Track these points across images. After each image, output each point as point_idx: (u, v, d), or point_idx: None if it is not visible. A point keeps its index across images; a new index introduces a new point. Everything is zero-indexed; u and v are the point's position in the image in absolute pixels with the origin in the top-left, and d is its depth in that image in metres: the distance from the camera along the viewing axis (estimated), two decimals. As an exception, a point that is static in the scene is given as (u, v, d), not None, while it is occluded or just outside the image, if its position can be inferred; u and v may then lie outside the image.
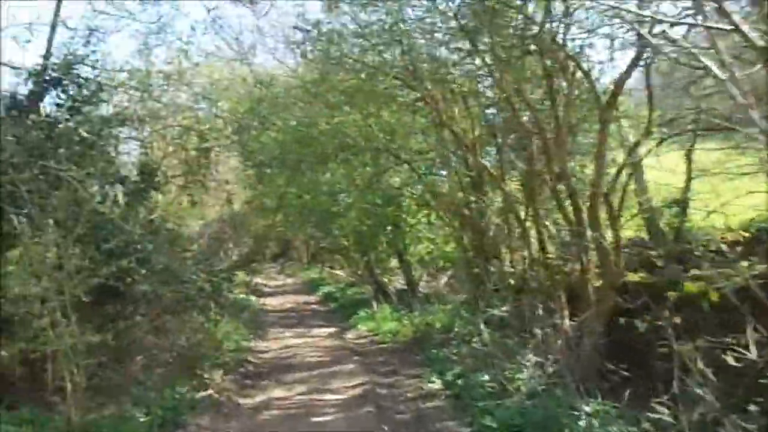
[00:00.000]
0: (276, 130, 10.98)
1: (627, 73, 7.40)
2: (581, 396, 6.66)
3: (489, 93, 10.90)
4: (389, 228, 16.18)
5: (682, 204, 8.66)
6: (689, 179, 8.24)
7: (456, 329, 11.24)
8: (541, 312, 7.98)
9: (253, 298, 19.73)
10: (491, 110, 10.74)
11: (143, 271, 7.29)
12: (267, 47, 20.35)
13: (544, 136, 7.83)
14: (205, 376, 8.28)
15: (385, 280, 17.05)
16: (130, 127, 10.60)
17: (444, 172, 11.57)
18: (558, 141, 7.69)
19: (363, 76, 10.79)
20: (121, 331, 6.76)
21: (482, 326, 8.56)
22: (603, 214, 7.67)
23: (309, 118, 11.55)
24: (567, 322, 7.64)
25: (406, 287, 16.65)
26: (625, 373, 7.18)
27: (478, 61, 9.61)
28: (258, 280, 26.39)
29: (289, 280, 27.35)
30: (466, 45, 9.60)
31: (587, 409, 6.47)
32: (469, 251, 12.16)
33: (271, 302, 19.79)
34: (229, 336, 11.71)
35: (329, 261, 24.30)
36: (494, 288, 10.84)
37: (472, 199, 11.14)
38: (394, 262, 18.17)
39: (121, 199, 10.65)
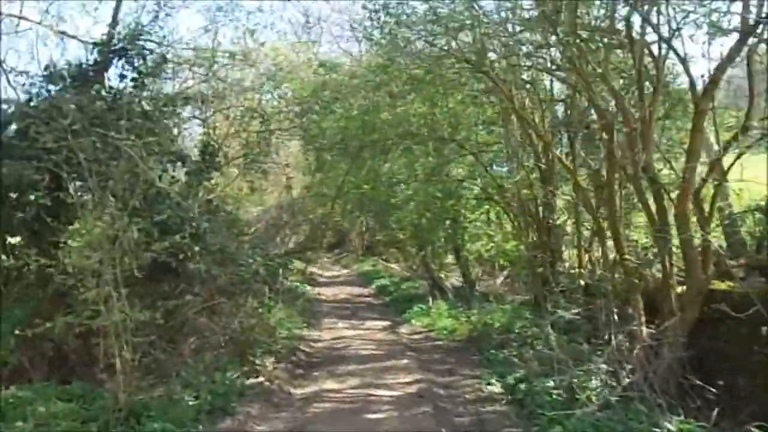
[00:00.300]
0: (339, 116, 10.60)
1: (729, 59, 6.59)
2: (662, 412, 5.98)
3: (560, 84, 10.26)
4: (448, 222, 15.63)
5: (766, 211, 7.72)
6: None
7: (516, 330, 10.63)
8: (616, 318, 7.27)
9: (307, 286, 19.55)
10: (564, 100, 10.00)
11: (197, 249, 6.98)
12: (332, 34, 20.02)
13: (630, 126, 7.10)
14: (257, 362, 7.96)
15: (442, 275, 16.46)
16: (194, 106, 10.43)
17: (511, 165, 10.89)
18: (645, 132, 6.95)
19: (430, 62, 10.29)
20: (173, 310, 6.46)
21: (549, 329, 7.93)
22: (692, 215, 6.92)
23: (372, 106, 11.14)
24: (645, 330, 6.90)
25: (462, 284, 16.07)
26: (711, 390, 6.50)
27: (554, 51, 9.04)
28: (313, 269, 26.34)
29: (344, 271, 27.11)
30: (538, 36, 9.06)
31: (670, 426, 5.79)
32: (533, 250, 11.50)
33: (326, 292, 19.53)
34: (282, 323, 11.45)
35: (384, 254, 23.90)
36: (561, 289, 10.17)
37: (540, 194, 10.48)
38: (450, 258, 17.64)
39: (181, 177, 10.59)
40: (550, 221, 10.44)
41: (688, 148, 6.80)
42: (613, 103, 8.37)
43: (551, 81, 10.55)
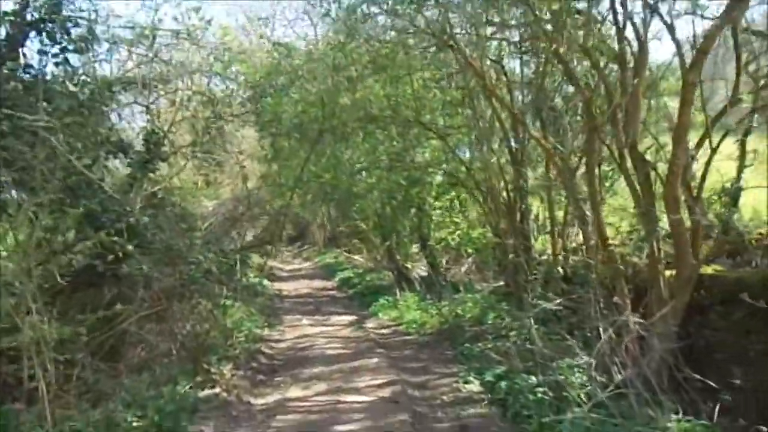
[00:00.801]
0: (295, 100, 9.73)
1: (719, 28, 6.02)
2: (660, 409, 5.41)
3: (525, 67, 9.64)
4: (413, 211, 14.94)
5: (732, 194, 7.20)
6: (742, 167, 6.69)
7: (490, 321, 10.03)
8: (601, 307, 6.68)
9: (267, 282, 18.61)
10: (533, 81, 9.37)
11: (136, 248, 6.06)
12: (286, 18, 19.00)
13: (611, 100, 6.49)
14: (212, 370, 7.11)
15: (408, 266, 15.77)
16: (135, 91, 9.37)
17: (479, 149, 10.22)
18: (630, 106, 6.35)
19: (391, 40, 9.52)
20: (112, 318, 5.54)
21: (530, 321, 7.31)
22: (681, 195, 6.37)
23: (330, 90, 10.28)
24: (632, 319, 6.31)
25: (429, 274, 15.42)
26: (707, 383, 5.98)
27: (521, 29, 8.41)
28: (274, 263, 25.34)
29: (306, 264, 26.22)
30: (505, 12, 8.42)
31: (671, 425, 5.22)
32: (504, 236, 10.90)
33: (287, 287, 18.65)
34: (241, 323, 10.59)
35: (347, 245, 23.10)
36: (534, 277, 9.60)
37: (511, 178, 9.86)
38: (415, 248, 16.99)
39: (121, 169, 9.55)
40: (523, 206, 9.83)
41: (676, 124, 6.22)
42: (590, 78, 7.82)
43: (521, 60, 9.92)
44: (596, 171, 7.46)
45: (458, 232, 14.62)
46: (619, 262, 7.01)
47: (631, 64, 6.54)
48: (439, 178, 13.24)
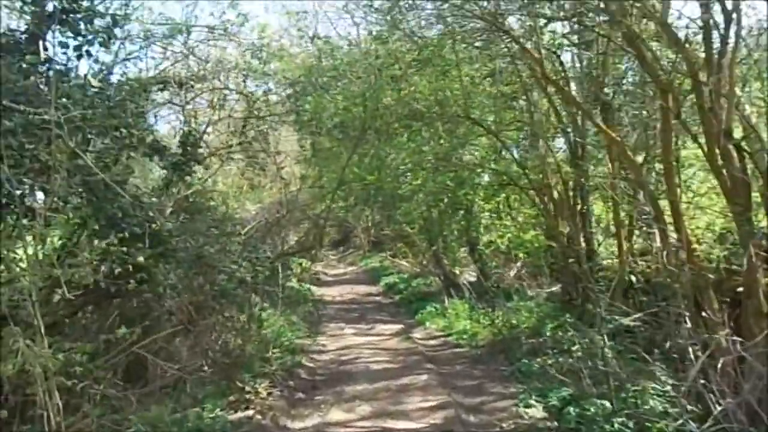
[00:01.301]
0: (336, 98, 9.05)
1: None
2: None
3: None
4: (461, 213, 14.07)
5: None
6: None
7: (548, 333, 9.08)
8: (687, 322, 5.70)
9: (311, 287, 18.04)
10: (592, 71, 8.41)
11: (152, 257, 5.42)
12: (328, 18, 18.38)
13: (699, 81, 5.52)
14: (246, 389, 6.43)
15: (456, 271, 14.89)
16: (171, 91, 8.88)
17: (535, 145, 9.29)
18: (720, 86, 5.37)
19: (437, 37, 8.72)
20: (130, 336, 4.92)
21: (602, 338, 6.37)
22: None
23: (374, 88, 9.55)
24: (729, 338, 5.32)
25: (477, 279, 14.49)
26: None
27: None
28: (318, 267, 24.81)
29: (350, 269, 25.59)
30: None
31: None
32: (560, 239, 9.95)
33: (331, 292, 18.02)
34: (282, 333, 9.96)
35: (392, 249, 22.36)
36: (600, 285, 8.61)
37: (571, 176, 8.91)
38: (463, 252, 16.09)
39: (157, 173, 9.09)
40: (584, 206, 8.86)
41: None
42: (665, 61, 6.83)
43: (578, 51, 8.97)
44: (674, 165, 6.48)
45: (508, 234, 13.67)
46: (707, 270, 6.01)
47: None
48: (487, 178, 12.32)
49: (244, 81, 8.88)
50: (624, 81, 8.79)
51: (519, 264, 14.74)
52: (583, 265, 8.91)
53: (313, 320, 12.77)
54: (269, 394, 6.75)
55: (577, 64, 8.86)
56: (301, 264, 19.78)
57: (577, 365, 7.44)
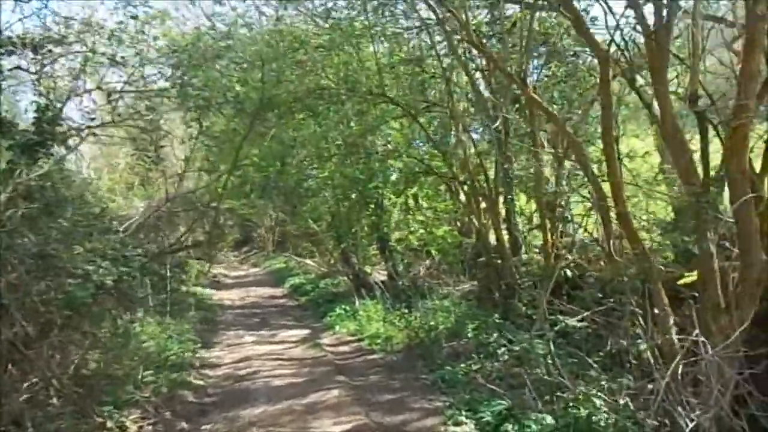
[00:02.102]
0: (231, 67, 7.63)
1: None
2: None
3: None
4: (371, 208, 12.98)
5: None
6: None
7: (469, 334, 8.16)
8: (641, 321, 4.87)
9: (206, 291, 16.28)
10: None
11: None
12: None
13: (653, 41, 4.71)
14: (109, 424, 4.90)
15: (367, 270, 13.77)
16: (21, 55, 7.08)
17: (457, 130, 8.33)
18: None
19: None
20: None
21: (539, 341, 5.45)
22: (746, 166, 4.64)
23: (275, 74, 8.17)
24: (693, 339, 4.52)
25: (388, 278, 13.45)
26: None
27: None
28: (218, 270, 22.90)
29: (253, 270, 23.83)
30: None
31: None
32: (480, 233, 9.11)
33: (231, 296, 16.33)
34: (167, 346, 8.36)
35: (298, 248, 20.94)
36: (525, 281, 7.81)
37: (496, 162, 8.04)
38: (373, 250, 15.02)
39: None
40: (509, 196, 8.01)
41: (741, 70, 4.49)
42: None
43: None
44: (614, 144, 5.70)
45: (420, 231, 12.74)
46: (653, 261, 5.23)
47: None
48: (398, 169, 11.23)
49: (117, 45, 7.21)
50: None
51: (428, 261, 13.89)
52: (507, 260, 8.09)
53: (207, 329, 11.16)
54: (140, 428, 5.24)
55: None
56: (197, 266, 17.95)
57: (506, 371, 6.61)
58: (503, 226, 8.10)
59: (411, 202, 12.76)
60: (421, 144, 9.72)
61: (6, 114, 7.05)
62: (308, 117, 8.98)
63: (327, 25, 8.61)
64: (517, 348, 6.56)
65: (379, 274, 14.46)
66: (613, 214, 5.36)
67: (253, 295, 16.44)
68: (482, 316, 8.57)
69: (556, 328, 4.99)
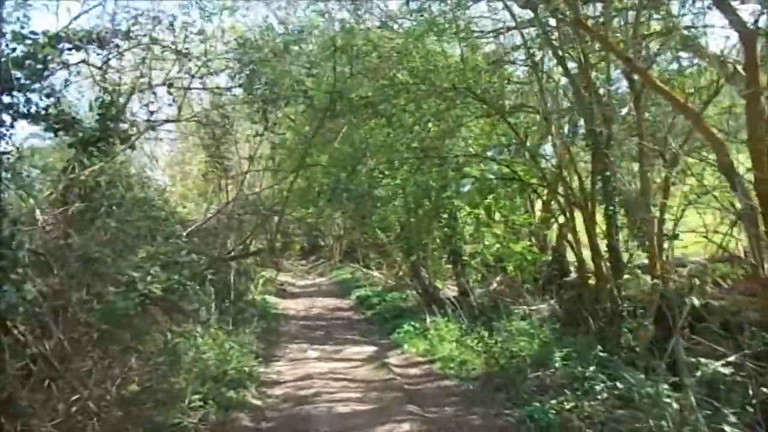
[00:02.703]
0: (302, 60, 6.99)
1: None
2: None
3: None
4: (444, 219, 12.06)
5: None
6: None
7: (556, 364, 7.08)
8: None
9: (273, 299, 15.82)
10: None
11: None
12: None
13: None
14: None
15: (438, 284, 12.83)
16: (87, 49, 6.69)
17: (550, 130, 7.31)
18: None
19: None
20: None
21: (661, 384, 4.35)
22: None
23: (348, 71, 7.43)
24: None
25: (460, 295, 12.43)
26: None
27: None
28: (285, 278, 22.59)
29: (319, 280, 23.33)
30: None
31: None
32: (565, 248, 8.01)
33: (296, 305, 15.77)
34: (228, 358, 7.77)
35: (365, 259, 20.27)
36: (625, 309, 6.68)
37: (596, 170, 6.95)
38: (444, 263, 14.05)
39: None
40: (610, 207, 6.88)
41: None
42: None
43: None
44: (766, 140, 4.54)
45: (496, 245, 11.68)
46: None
47: None
48: (476, 175, 10.17)
49: (182, 39, 6.71)
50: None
51: (500, 277, 12.79)
52: (604, 280, 6.96)
53: (271, 340, 10.56)
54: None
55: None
56: (264, 274, 17.59)
57: (608, 413, 5.51)
58: (603, 242, 6.97)
59: (488, 213, 11.76)
60: (501, 150, 8.72)
61: (70, 110, 6.67)
62: (380, 119, 8.19)
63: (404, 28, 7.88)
64: (621, 386, 5.50)
65: (449, 290, 13.51)
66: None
67: (318, 306, 15.82)
68: (570, 344, 7.48)
69: (697, 374, 3.88)
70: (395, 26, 9.08)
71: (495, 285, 12.69)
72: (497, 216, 11.80)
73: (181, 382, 5.22)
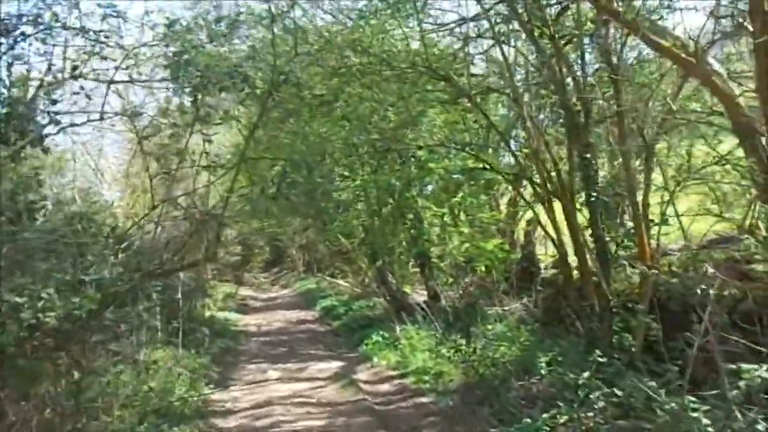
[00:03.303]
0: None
1: None
2: None
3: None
4: (409, 221, 11.22)
5: None
6: None
7: (542, 369, 6.27)
8: None
9: (233, 315, 14.71)
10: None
11: None
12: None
13: None
14: None
15: (406, 290, 11.98)
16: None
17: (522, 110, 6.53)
18: None
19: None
20: None
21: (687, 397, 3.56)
22: None
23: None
24: None
25: (429, 299, 11.61)
26: None
27: None
28: (248, 291, 21.46)
29: (283, 292, 22.22)
30: None
31: None
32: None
33: (258, 321, 14.66)
34: (176, 386, 6.75)
35: (329, 269, 19.30)
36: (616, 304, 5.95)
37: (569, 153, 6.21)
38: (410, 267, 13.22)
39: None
40: (592, 195, 6.11)
41: None
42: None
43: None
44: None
45: (465, 245, 10.88)
46: None
47: None
48: (441, 172, 9.35)
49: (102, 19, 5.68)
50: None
51: (468, 278, 12.02)
52: (588, 275, 6.21)
53: (227, 361, 9.49)
54: None
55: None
56: (223, 289, 16.48)
57: (608, 425, 4.73)
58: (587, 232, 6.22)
59: (449, 213, 10.99)
60: (470, 140, 7.94)
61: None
62: (336, 112, 7.28)
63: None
64: (620, 393, 4.75)
65: (418, 294, 12.67)
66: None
67: (281, 320, 14.75)
68: (555, 347, 6.72)
69: (741, 384, 3.07)
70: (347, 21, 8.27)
71: (466, 286, 11.96)
72: (462, 216, 11.07)
73: (114, 422, 4.20)
